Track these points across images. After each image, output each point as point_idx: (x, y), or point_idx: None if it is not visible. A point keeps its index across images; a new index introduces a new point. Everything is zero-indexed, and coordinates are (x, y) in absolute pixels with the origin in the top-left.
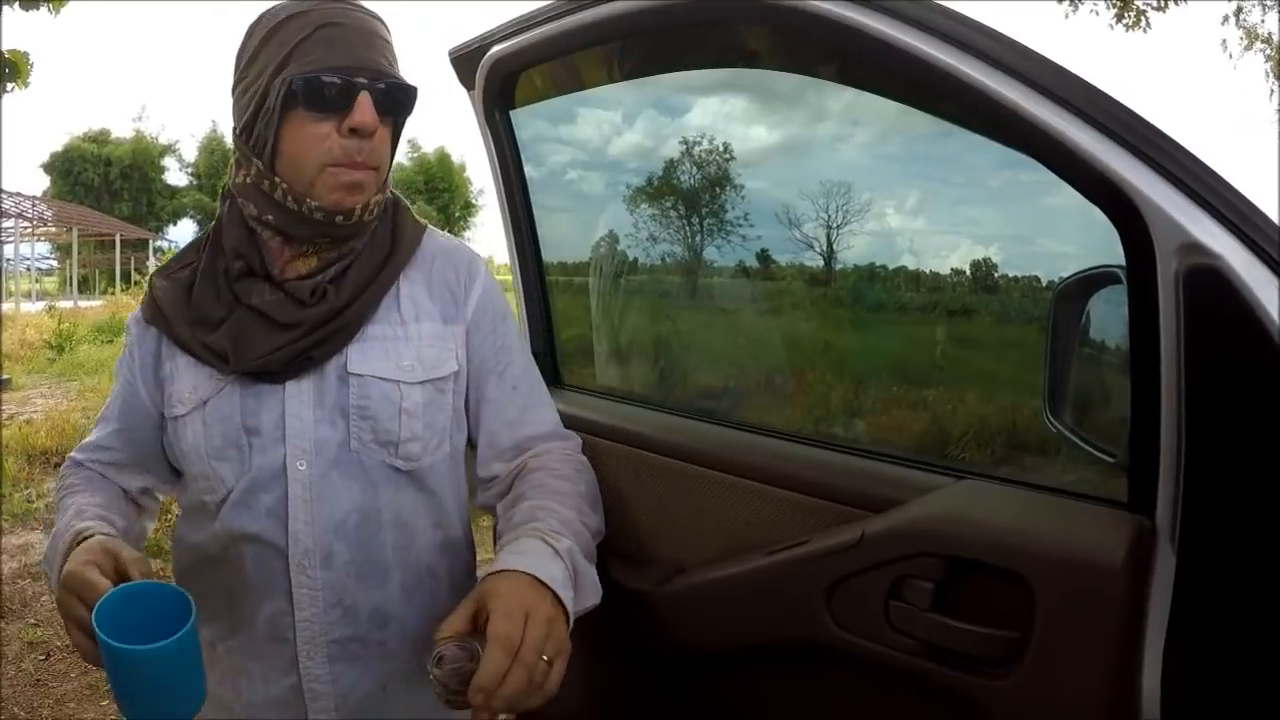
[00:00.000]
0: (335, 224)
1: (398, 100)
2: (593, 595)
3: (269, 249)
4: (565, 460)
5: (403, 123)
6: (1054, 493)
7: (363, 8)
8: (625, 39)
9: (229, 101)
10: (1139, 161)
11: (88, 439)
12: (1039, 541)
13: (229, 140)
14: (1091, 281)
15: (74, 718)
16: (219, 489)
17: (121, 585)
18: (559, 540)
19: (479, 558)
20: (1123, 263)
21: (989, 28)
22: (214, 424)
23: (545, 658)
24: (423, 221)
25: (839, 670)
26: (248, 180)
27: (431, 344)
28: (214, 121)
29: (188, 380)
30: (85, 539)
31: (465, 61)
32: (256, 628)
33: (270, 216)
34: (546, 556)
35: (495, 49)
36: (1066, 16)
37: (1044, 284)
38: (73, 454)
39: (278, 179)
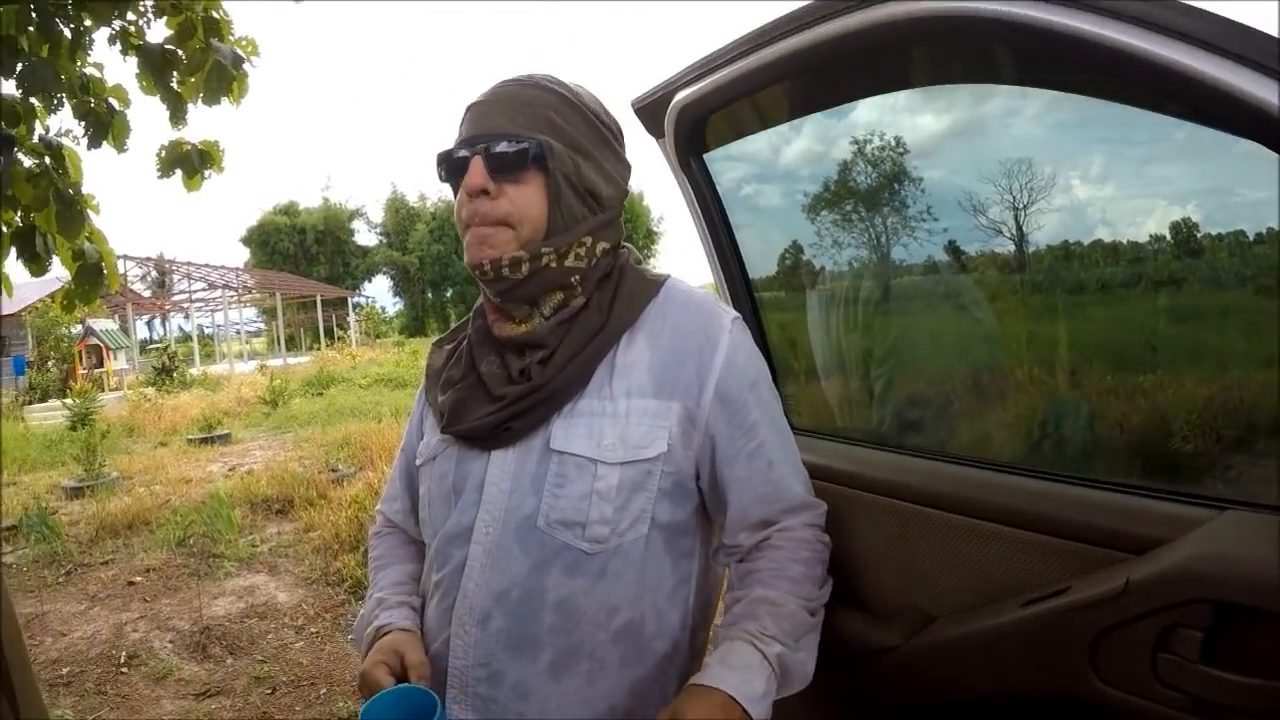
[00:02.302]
0: (486, 279)
1: (510, 159)
2: (799, 683)
3: (486, 304)
4: (805, 542)
5: (554, 178)
6: None
7: (529, 78)
8: (811, 71)
9: (407, 165)
10: None
11: (387, 489)
12: None
13: (411, 199)
14: None
15: None
16: (431, 535)
17: (391, 689)
18: (769, 645)
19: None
20: None
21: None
22: (435, 478)
23: None
24: (659, 277)
25: None
26: None
27: (639, 422)
28: (393, 184)
29: (429, 436)
30: (384, 634)
31: (650, 111)
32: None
33: None
34: (753, 667)
35: (679, 96)
36: None
37: (1251, 238)
38: (379, 506)
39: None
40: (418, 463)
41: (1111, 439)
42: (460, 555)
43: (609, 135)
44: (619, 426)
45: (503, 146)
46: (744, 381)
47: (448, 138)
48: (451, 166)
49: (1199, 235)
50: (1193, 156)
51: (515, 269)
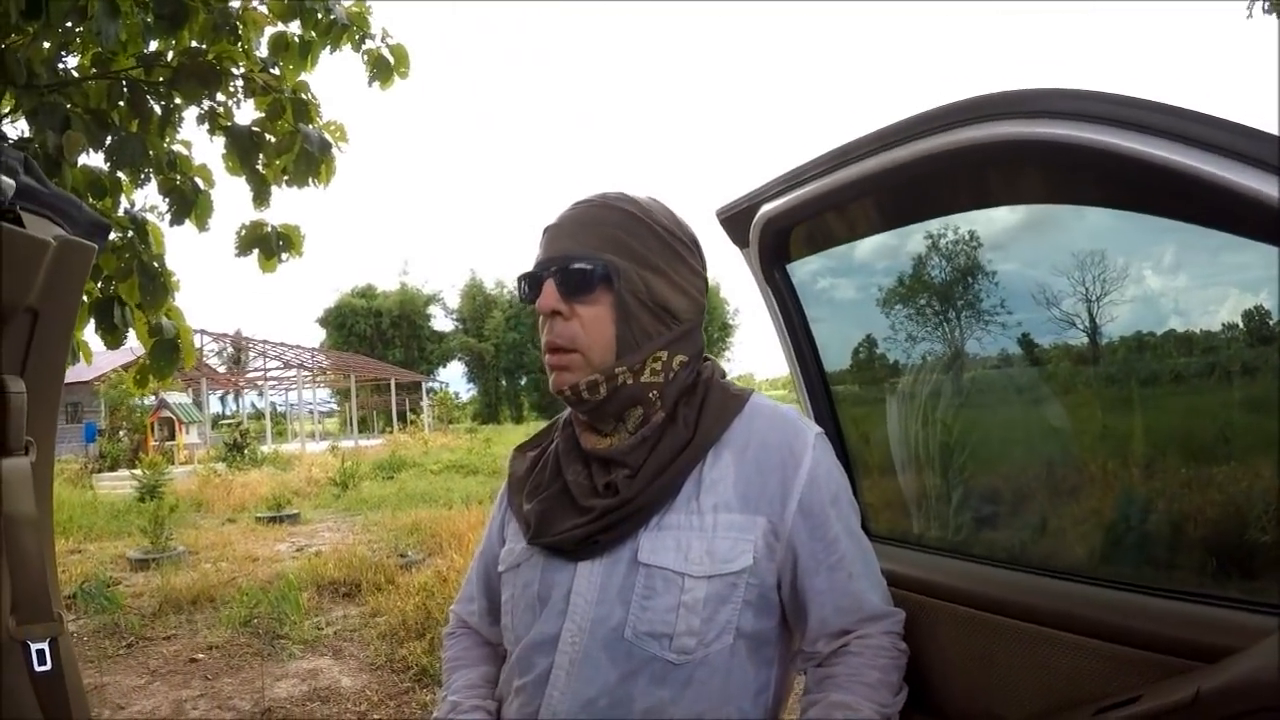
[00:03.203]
0: (570, 403)
1: (579, 281)
2: None
3: (573, 416)
4: (882, 649)
5: (623, 297)
6: None
7: (599, 197)
8: (893, 189)
9: (485, 251)
10: None
11: (462, 590)
12: None
13: (488, 286)
14: None
15: None
16: (513, 641)
17: None
18: None
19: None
20: None
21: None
22: (519, 585)
23: None
24: (743, 392)
25: None
26: None
27: (726, 535)
28: (472, 270)
29: (511, 543)
30: None
31: (734, 221)
32: None
33: None
34: None
35: (765, 208)
36: (1249, 16)
37: None
38: (453, 607)
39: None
40: (500, 569)
41: (1192, 539)
42: (545, 663)
43: (681, 249)
44: (705, 540)
45: (570, 269)
46: (826, 496)
47: (527, 226)
48: (530, 287)
49: (1271, 322)
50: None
51: (594, 391)
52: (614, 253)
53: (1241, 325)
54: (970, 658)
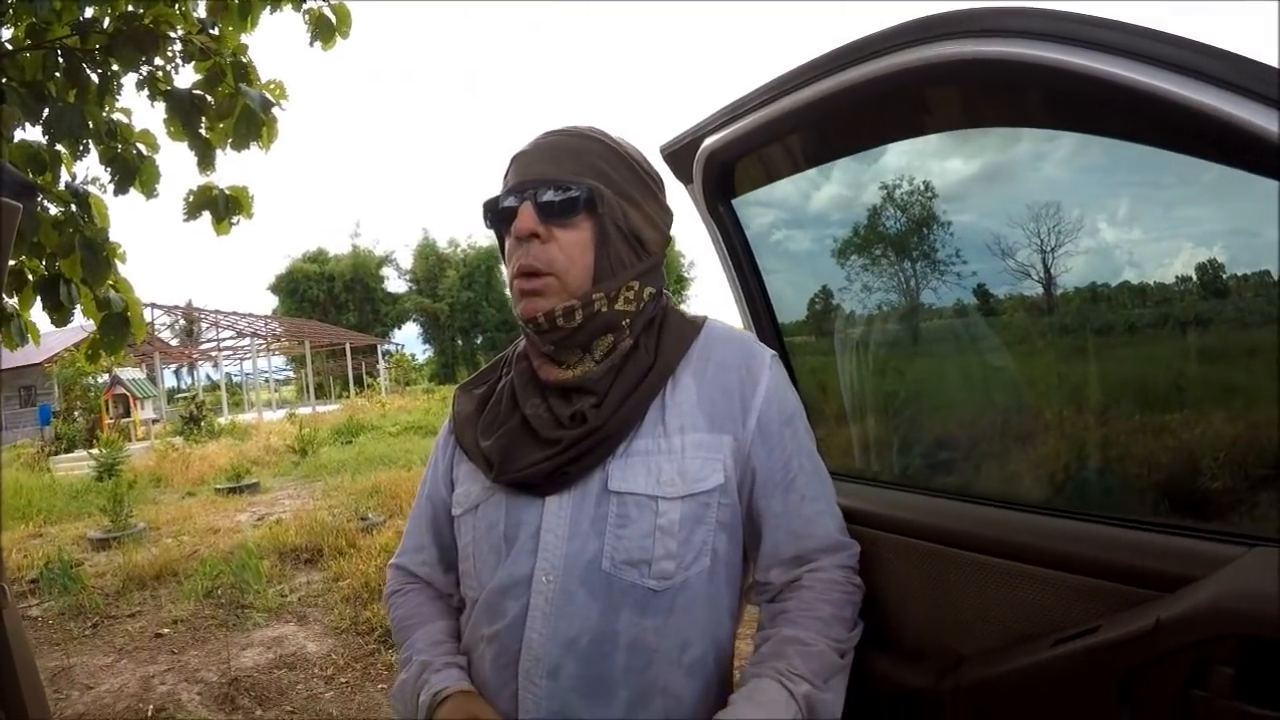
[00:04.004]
0: (541, 331)
1: (560, 204)
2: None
3: (532, 349)
4: (835, 583)
5: (604, 224)
6: None
7: (574, 128)
8: (838, 116)
9: (438, 210)
10: None
11: (404, 543)
12: None
13: (441, 245)
14: None
15: None
16: (476, 587)
17: None
18: (797, 684)
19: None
20: None
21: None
22: (481, 528)
23: None
24: (698, 318)
25: None
26: None
27: (695, 455)
28: (425, 229)
29: (466, 485)
30: (445, 698)
31: (679, 157)
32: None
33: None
34: (780, 705)
35: (708, 141)
36: None
37: (1277, 278)
38: (395, 561)
39: (510, 295)
40: (457, 512)
41: (1140, 478)
42: (517, 606)
43: (651, 183)
44: (676, 462)
45: (552, 192)
46: (782, 416)
47: (476, 182)
48: (499, 215)
49: (1224, 276)
50: (1219, 198)
51: (569, 318)
52: (596, 180)
53: (1195, 278)
54: (928, 592)
